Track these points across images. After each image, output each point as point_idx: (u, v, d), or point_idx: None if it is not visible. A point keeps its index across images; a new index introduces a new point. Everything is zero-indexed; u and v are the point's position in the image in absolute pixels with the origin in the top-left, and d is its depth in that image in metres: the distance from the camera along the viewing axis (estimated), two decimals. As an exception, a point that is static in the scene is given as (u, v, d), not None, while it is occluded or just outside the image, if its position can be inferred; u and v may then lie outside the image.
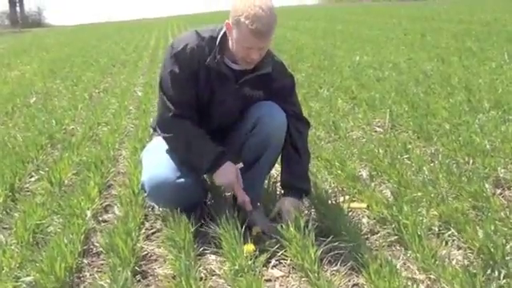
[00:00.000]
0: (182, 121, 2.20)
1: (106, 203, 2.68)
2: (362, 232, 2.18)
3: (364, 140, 3.48)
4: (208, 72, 2.21)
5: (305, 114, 4.10)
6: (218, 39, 2.21)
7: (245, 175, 2.35)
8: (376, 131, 3.71)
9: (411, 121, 3.66)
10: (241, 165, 2.31)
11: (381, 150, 3.12)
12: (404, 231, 2.06)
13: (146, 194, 2.31)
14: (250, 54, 2.10)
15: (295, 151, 2.32)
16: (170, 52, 2.22)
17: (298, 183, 2.32)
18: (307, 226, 2.03)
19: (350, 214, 2.38)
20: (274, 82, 2.31)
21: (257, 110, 2.29)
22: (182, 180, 2.19)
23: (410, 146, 3.17)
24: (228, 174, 2.18)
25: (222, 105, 2.28)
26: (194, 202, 2.27)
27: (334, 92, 4.91)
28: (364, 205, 2.40)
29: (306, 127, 2.41)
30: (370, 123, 3.79)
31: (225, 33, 2.21)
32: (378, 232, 2.22)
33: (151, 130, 2.68)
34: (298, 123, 2.36)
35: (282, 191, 2.35)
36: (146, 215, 2.51)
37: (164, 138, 2.27)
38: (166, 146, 2.29)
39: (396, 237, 2.12)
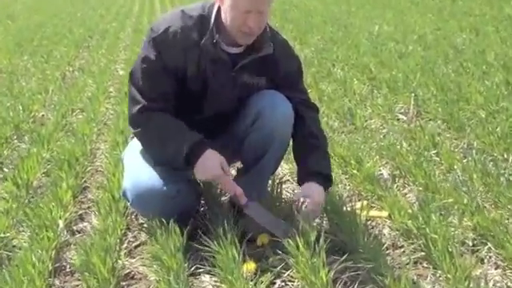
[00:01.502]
0: (153, 113, 2.16)
1: (82, 211, 2.65)
2: (382, 247, 2.15)
3: (384, 131, 3.44)
4: (199, 57, 2.17)
5: (315, 99, 4.18)
6: (213, 17, 2.17)
7: (245, 177, 2.32)
8: (398, 120, 3.67)
9: (440, 107, 3.62)
10: (238, 164, 2.28)
11: (404, 144, 3.09)
12: (432, 247, 2.02)
13: (129, 203, 2.28)
14: (248, 20, 2.07)
15: (313, 137, 2.29)
16: (148, 36, 2.19)
17: (324, 169, 2.25)
18: (318, 241, 2.00)
19: (368, 224, 2.35)
20: (277, 67, 2.28)
21: (257, 101, 2.26)
22: (171, 187, 2.15)
23: (438, 139, 3.13)
24: (210, 165, 2.12)
25: (216, 96, 2.24)
26: (185, 212, 2.24)
27: (350, 71, 4.85)
28: (385, 213, 2.37)
29: (316, 113, 2.41)
30: (392, 110, 3.74)
31: (218, 10, 2.16)
32: (402, 246, 2.18)
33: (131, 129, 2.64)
34: (307, 110, 2.34)
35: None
36: (128, 224, 2.48)
37: (135, 135, 2.25)
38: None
39: (423, 253, 2.09)
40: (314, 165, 2.24)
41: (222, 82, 2.22)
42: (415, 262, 2.08)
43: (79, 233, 2.50)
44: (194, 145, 2.11)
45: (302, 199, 2.15)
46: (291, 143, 2.38)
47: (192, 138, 2.13)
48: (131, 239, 2.40)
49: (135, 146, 2.38)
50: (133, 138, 2.47)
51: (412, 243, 2.15)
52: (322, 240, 2.00)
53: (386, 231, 2.32)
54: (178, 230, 2.10)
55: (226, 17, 2.12)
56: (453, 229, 2.16)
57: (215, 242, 2.05)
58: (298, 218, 2.09)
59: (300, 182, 2.27)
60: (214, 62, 2.19)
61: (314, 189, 2.18)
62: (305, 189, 2.20)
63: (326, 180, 2.24)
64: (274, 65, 2.27)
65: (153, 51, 2.16)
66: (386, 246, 2.19)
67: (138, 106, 2.17)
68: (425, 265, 2.07)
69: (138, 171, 2.22)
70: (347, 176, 2.79)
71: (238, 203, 2.19)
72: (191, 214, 2.33)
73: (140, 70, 2.18)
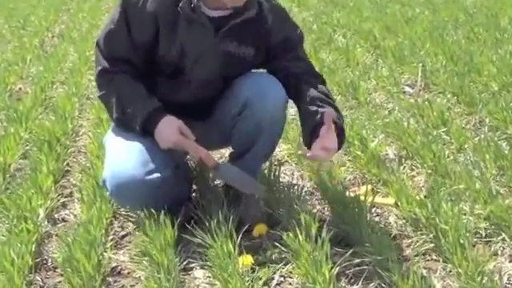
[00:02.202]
0: (114, 75, 2.16)
1: (64, 198, 2.62)
2: (388, 238, 2.12)
3: (390, 106, 3.40)
4: (174, 21, 2.11)
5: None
6: None
7: (236, 164, 2.29)
8: (405, 93, 3.63)
9: (449, 79, 3.57)
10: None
11: (411, 121, 3.05)
12: (442, 238, 2.00)
13: (108, 193, 2.23)
14: None
15: (325, 95, 2.18)
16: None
17: (339, 121, 2.13)
18: (320, 233, 1.97)
19: (373, 211, 2.33)
20: (271, 34, 2.21)
21: (246, 85, 2.19)
22: (155, 176, 2.08)
23: (448, 115, 3.10)
24: (168, 132, 2.09)
25: (197, 64, 2.17)
26: (173, 202, 2.20)
27: (352, 38, 4.80)
28: (391, 200, 2.34)
29: (322, 83, 2.27)
30: (398, 82, 3.70)
31: None
32: (410, 237, 2.16)
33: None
34: (312, 80, 2.23)
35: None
36: (114, 212, 2.45)
37: (99, 99, 2.28)
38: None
39: (432, 245, 2.07)
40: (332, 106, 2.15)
41: (202, 48, 2.15)
42: (424, 254, 2.06)
43: (62, 221, 2.48)
44: (148, 114, 2.10)
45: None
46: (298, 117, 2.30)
47: (146, 106, 2.11)
48: (117, 229, 2.38)
49: (116, 128, 2.33)
50: None
51: (420, 233, 2.13)
52: (324, 232, 1.98)
53: (392, 219, 2.30)
54: (168, 221, 2.07)
55: None
56: (464, 218, 2.14)
57: (208, 235, 2.03)
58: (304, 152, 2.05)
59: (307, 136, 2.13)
60: (193, 26, 2.12)
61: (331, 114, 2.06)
62: (327, 115, 2.05)
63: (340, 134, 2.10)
64: (267, 33, 2.20)
65: (119, 10, 2.13)
66: (392, 236, 2.17)
67: (99, 68, 2.18)
68: (434, 257, 2.05)
69: (118, 157, 2.15)
70: (350, 158, 2.76)
71: (207, 167, 2.17)
72: (181, 202, 2.29)
73: (105, 30, 2.18)
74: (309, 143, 2.09)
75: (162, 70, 2.20)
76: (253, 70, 2.29)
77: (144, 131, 2.12)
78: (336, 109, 2.18)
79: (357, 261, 1.97)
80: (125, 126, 2.18)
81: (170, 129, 2.10)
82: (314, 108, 2.12)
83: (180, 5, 2.09)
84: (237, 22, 2.14)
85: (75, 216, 2.49)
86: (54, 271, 2.13)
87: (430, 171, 2.54)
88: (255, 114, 2.16)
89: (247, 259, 2.02)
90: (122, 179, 2.08)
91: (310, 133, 2.10)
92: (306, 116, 2.15)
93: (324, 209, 2.40)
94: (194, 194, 2.44)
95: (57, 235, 2.31)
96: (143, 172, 2.08)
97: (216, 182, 2.50)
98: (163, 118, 2.11)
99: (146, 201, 2.11)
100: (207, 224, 2.10)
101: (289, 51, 2.24)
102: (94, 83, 2.31)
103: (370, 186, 2.47)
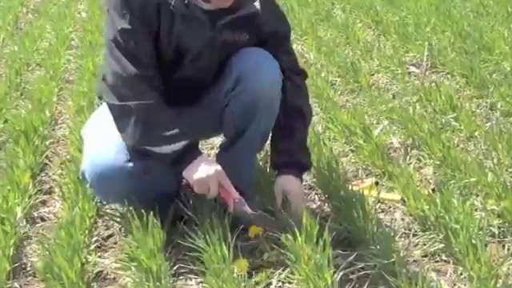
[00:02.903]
0: (145, 87, 2.07)
1: (43, 195, 2.59)
2: (394, 237, 2.11)
3: (394, 89, 3.38)
4: (172, 17, 2.10)
5: (311, 49, 4.11)
6: None
7: (228, 153, 2.26)
8: (410, 73, 3.61)
9: (458, 58, 3.55)
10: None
11: (418, 106, 3.04)
12: (453, 238, 1.99)
13: (88, 185, 2.21)
14: None
15: (296, 111, 2.26)
16: None
17: (303, 158, 2.26)
18: (321, 234, 1.96)
19: (377, 207, 2.32)
20: (263, 26, 2.22)
21: (238, 62, 2.19)
22: (137, 164, 2.06)
23: (456, 98, 3.08)
24: (206, 168, 2.04)
25: (194, 62, 2.18)
26: (160, 196, 2.18)
27: (352, 12, 4.76)
28: (397, 196, 2.34)
29: (303, 80, 2.36)
30: (402, 62, 3.67)
31: None
32: (417, 235, 2.16)
33: (96, 98, 2.57)
34: (293, 76, 2.29)
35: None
36: (98, 211, 2.43)
37: (111, 109, 2.11)
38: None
39: (442, 245, 2.06)
40: (295, 151, 2.24)
41: (199, 44, 2.15)
42: (433, 255, 2.06)
43: (41, 221, 2.46)
44: (186, 148, 2.04)
45: (279, 194, 2.19)
46: None
47: (186, 136, 2.06)
48: (102, 229, 2.37)
49: (98, 116, 2.30)
50: (100, 105, 2.39)
51: (429, 233, 2.12)
52: (325, 233, 1.96)
53: (398, 216, 2.30)
54: (156, 221, 2.05)
55: None
56: (476, 215, 2.13)
57: (201, 237, 2.01)
58: (284, 216, 2.09)
59: (276, 169, 2.27)
60: (189, 23, 2.12)
61: (294, 183, 2.20)
62: (284, 183, 2.20)
63: (302, 170, 2.27)
64: (259, 24, 2.21)
65: (126, 7, 2.06)
66: (398, 235, 2.16)
67: (128, 73, 2.06)
68: (444, 258, 2.05)
69: (97, 147, 2.12)
70: (352, 148, 2.75)
71: (238, 211, 2.10)
72: (169, 198, 2.27)
73: (119, 31, 2.07)
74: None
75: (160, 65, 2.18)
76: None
77: (177, 161, 2.05)
78: (305, 125, 2.30)
79: (361, 264, 1.96)
80: (145, 149, 2.08)
81: (209, 165, 2.06)
82: (284, 146, 2.23)
83: (172, 3, 2.07)
84: (239, 16, 2.14)
85: (55, 215, 2.47)
86: (35, 277, 2.11)
87: (438, 162, 2.53)
88: (250, 90, 2.14)
89: (242, 263, 2.01)
90: (102, 167, 2.06)
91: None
92: (278, 143, 2.27)
93: (325, 205, 2.39)
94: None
95: (36, 235, 2.29)
96: (124, 159, 2.06)
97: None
98: (198, 156, 2.07)
99: (129, 192, 2.09)
100: (199, 224, 2.09)
101: (276, 45, 2.25)
102: (103, 86, 2.14)
103: (374, 180, 2.46)
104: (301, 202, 2.18)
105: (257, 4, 2.17)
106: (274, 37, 2.26)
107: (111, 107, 2.11)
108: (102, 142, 2.14)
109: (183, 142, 2.03)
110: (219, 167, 2.06)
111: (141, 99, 2.05)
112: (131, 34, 2.07)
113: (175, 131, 2.04)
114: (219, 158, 2.29)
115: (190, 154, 2.05)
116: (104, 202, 2.42)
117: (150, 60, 2.11)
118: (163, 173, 2.16)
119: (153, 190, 2.13)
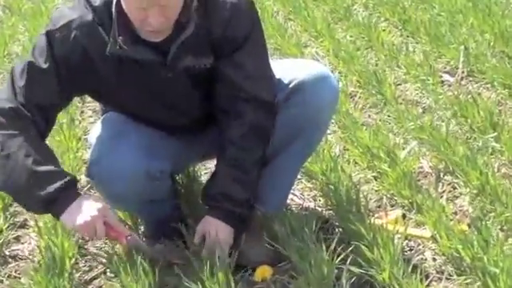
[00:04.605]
0: (20, 119, 2.15)
1: (16, 230, 2.64)
2: (425, 281, 2.14)
3: (425, 102, 3.40)
4: (113, 67, 2.17)
5: (328, 54, 4.15)
6: (114, 6, 2.14)
7: (268, 168, 2.35)
8: (443, 83, 3.63)
9: (499, 65, 3.57)
10: None
11: (452, 122, 3.06)
12: (492, 284, 2.01)
13: (93, 182, 2.40)
14: (148, 17, 2.06)
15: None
16: (45, 26, 2.24)
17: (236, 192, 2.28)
18: (339, 278, 1.99)
19: (404, 244, 2.34)
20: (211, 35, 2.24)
21: (293, 69, 2.36)
22: (155, 164, 2.23)
23: (497, 112, 3.10)
24: (87, 209, 2.13)
25: (169, 104, 2.29)
26: (161, 215, 2.38)
27: (375, 9, 4.79)
28: (427, 233, 2.36)
29: (262, 111, 2.30)
30: (434, 69, 3.70)
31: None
32: (451, 279, 2.18)
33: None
34: (241, 104, 2.28)
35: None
36: (79, 248, 2.48)
37: None
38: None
39: (480, 291, 2.09)
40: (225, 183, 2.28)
41: (159, 85, 2.23)
42: (469, 302, 2.09)
43: (14, 260, 2.50)
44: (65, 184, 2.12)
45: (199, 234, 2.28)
46: None
47: (60, 174, 2.14)
48: (84, 270, 2.41)
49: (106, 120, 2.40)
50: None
51: (465, 277, 2.14)
52: (344, 277, 1.99)
53: (428, 256, 2.32)
54: (146, 265, 2.10)
55: (125, 9, 2.10)
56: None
57: (199, 283, 2.04)
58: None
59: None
60: (136, 69, 2.18)
61: (214, 225, 2.26)
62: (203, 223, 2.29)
63: (231, 211, 2.27)
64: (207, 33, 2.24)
65: (46, 48, 2.15)
66: (429, 279, 2.18)
67: (9, 106, 2.14)
68: (483, 306, 2.07)
69: (109, 139, 2.24)
70: (375, 174, 2.78)
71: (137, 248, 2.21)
72: (170, 219, 2.37)
73: (26, 62, 2.17)
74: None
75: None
76: None
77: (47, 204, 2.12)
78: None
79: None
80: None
81: (91, 207, 2.13)
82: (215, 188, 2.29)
83: (108, 51, 2.13)
84: (181, 40, 2.18)
85: (31, 253, 2.51)
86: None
87: (475, 191, 2.55)
88: (309, 103, 2.29)
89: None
90: (113, 162, 2.19)
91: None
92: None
93: (343, 241, 2.40)
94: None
95: (8, 278, 2.33)
96: (141, 156, 2.20)
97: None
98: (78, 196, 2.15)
99: (134, 195, 2.25)
100: (197, 267, 2.12)
101: (230, 53, 2.25)
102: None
103: (400, 212, 2.49)
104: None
105: (192, 27, 2.17)
106: (224, 43, 2.23)
107: None
108: (116, 134, 2.27)
109: (58, 183, 2.10)
110: (101, 204, 2.16)
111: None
112: (36, 73, 2.15)
113: (47, 167, 2.12)
114: None
115: (66, 194, 2.12)
116: (87, 238, 2.48)
117: (42, 105, 2.17)
118: (171, 190, 2.40)
119: (157, 206, 2.35)
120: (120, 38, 2.11)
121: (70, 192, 2.12)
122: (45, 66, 2.14)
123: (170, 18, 2.09)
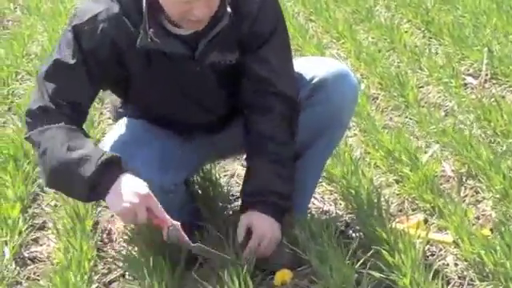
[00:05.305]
0: (49, 115, 2.14)
1: (34, 232, 2.66)
2: (446, 286, 2.14)
3: (447, 105, 3.40)
4: (141, 60, 2.18)
5: (349, 55, 4.16)
6: (144, 2, 2.14)
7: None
8: (466, 86, 3.62)
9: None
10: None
11: (475, 126, 3.05)
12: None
13: None
14: (193, 9, 2.07)
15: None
16: (69, 21, 2.21)
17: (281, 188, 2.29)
18: (359, 283, 2.00)
19: (426, 249, 2.34)
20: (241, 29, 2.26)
21: (313, 67, 2.38)
22: (169, 176, 2.23)
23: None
24: (129, 196, 2.06)
25: (190, 96, 2.29)
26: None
27: (398, 11, 4.78)
28: (449, 238, 2.36)
29: (288, 109, 2.33)
30: (457, 72, 3.69)
31: None
32: (473, 285, 2.18)
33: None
34: (269, 97, 2.31)
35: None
36: (98, 251, 2.49)
37: (27, 139, 2.23)
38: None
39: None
40: (270, 180, 2.27)
41: (185, 78, 2.24)
42: (492, 309, 2.08)
43: (33, 262, 2.52)
44: (102, 162, 2.06)
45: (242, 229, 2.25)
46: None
47: (99, 152, 2.09)
48: (103, 273, 2.42)
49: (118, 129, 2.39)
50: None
51: (487, 283, 2.13)
52: (364, 281, 1.99)
53: (450, 261, 2.31)
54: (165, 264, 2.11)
55: (162, 2, 2.10)
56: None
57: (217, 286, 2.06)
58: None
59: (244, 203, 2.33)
60: (165, 62, 2.20)
61: (262, 222, 2.24)
62: (246, 218, 2.27)
63: (277, 206, 2.28)
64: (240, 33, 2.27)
65: (74, 44, 2.15)
66: (451, 284, 2.18)
67: (39, 104, 2.15)
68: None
69: (121, 152, 2.16)
70: (396, 177, 2.78)
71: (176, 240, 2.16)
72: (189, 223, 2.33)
73: (52, 61, 2.17)
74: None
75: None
76: None
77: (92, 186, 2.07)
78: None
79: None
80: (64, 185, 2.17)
81: (134, 188, 2.08)
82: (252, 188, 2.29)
83: (138, 44, 2.14)
84: (213, 35, 2.20)
85: (49, 255, 2.53)
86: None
87: (498, 196, 2.54)
88: (331, 100, 2.31)
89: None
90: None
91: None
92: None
93: (363, 245, 2.40)
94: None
95: (27, 280, 2.35)
96: (156, 167, 2.20)
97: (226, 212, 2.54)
98: (122, 172, 2.08)
99: None
100: (215, 269, 2.14)
101: (256, 48, 2.28)
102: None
103: (422, 217, 2.49)
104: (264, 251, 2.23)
105: (227, 16, 2.19)
106: (253, 40, 2.27)
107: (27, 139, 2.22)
108: (130, 142, 2.28)
109: (94, 163, 2.04)
110: (145, 190, 2.07)
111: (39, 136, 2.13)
112: (64, 70, 2.15)
113: (81, 151, 2.07)
114: None
115: (108, 173, 2.07)
116: (105, 236, 2.50)
117: (72, 100, 2.16)
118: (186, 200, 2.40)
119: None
120: (151, 30, 2.12)
121: (111, 169, 2.06)
122: (72, 61, 2.13)
123: (213, 8, 2.11)
